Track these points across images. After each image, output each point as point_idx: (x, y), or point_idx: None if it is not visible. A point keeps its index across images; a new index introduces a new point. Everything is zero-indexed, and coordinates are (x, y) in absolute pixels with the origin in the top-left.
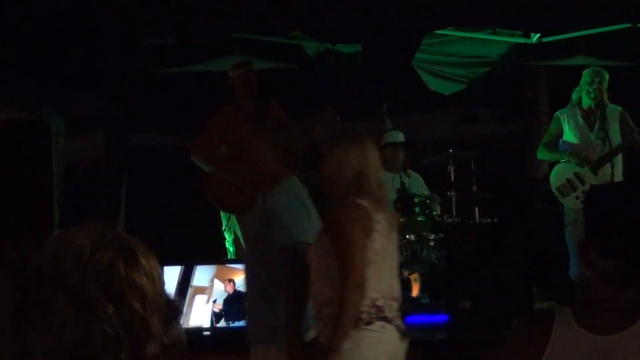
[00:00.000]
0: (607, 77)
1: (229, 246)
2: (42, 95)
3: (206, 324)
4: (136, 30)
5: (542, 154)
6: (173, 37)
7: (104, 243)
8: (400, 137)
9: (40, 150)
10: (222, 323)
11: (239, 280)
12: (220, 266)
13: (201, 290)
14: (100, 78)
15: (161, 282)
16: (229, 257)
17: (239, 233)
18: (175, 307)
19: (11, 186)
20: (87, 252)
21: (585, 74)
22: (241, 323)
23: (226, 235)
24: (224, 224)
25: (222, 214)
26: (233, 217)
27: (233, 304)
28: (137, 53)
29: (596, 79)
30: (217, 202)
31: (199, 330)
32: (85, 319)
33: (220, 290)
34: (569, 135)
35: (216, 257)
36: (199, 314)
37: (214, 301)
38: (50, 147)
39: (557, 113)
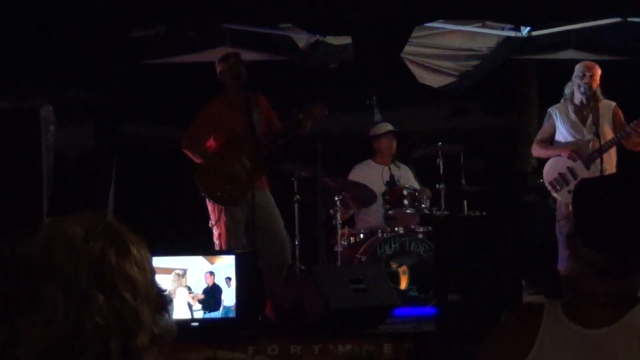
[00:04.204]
0: (599, 71)
1: (215, 240)
2: (33, 85)
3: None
4: (126, 21)
5: (536, 151)
6: (163, 27)
7: (96, 232)
8: (389, 127)
9: (30, 140)
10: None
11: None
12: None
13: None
14: (91, 68)
15: (152, 272)
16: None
17: (228, 226)
18: (165, 297)
19: (0, 175)
20: (79, 241)
21: (577, 68)
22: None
23: (213, 229)
24: (211, 217)
25: (208, 208)
26: (221, 211)
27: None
28: (127, 43)
29: (587, 73)
30: (208, 194)
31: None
32: (76, 308)
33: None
34: (562, 131)
35: (204, 248)
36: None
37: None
38: (40, 136)
39: (550, 109)
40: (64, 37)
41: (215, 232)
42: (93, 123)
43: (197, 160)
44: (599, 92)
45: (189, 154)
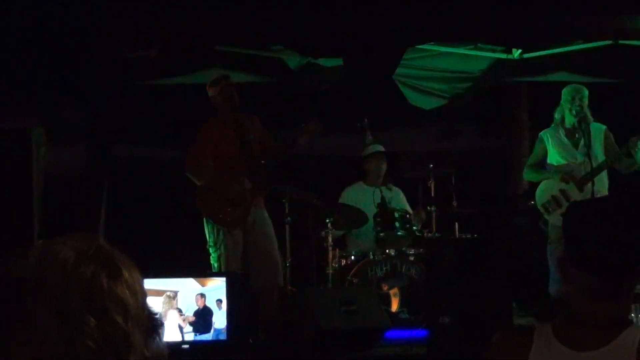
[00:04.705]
0: (587, 93)
1: (214, 262)
2: (24, 106)
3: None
4: (119, 43)
5: (529, 175)
6: (156, 49)
7: (87, 255)
8: (381, 148)
9: (21, 160)
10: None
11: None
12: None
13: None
14: (82, 89)
15: (143, 295)
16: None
17: (229, 248)
18: (156, 320)
19: None
20: (70, 264)
21: (565, 92)
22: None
23: (211, 251)
24: (210, 239)
25: (206, 230)
26: (221, 233)
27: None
28: (120, 65)
29: (577, 96)
30: (211, 217)
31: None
32: (68, 331)
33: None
34: (554, 155)
35: (198, 270)
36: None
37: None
38: (31, 157)
39: (541, 133)
40: (56, 58)
41: (215, 254)
42: (84, 144)
43: (199, 182)
44: (589, 114)
45: (192, 177)
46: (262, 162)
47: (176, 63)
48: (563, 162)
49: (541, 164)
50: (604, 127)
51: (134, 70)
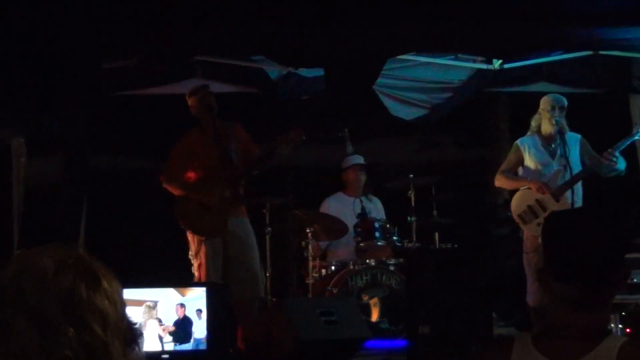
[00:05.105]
0: (566, 103)
1: (194, 271)
2: (3, 117)
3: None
4: (98, 53)
5: (500, 182)
6: (135, 60)
7: (67, 265)
8: (360, 159)
9: (0, 171)
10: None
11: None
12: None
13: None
14: (61, 100)
15: (122, 305)
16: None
17: (209, 257)
18: (135, 330)
19: None
20: (50, 273)
21: (545, 101)
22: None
23: (192, 260)
24: (192, 248)
25: (189, 239)
26: (202, 242)
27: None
28: (98, 75)
29: (557, 106)
30: (189, 226)
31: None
32: (46, 341)
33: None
34: (530, 164)
35: (178, 280)
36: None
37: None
38: (10, 168)
39: (518, 141)
40: (35, 68)
41: (195, 263)
42: (64, 155)
43: (178, 193)
44: (565, 124)
45: (170, 187)
46: (242, 171)
47: (155, 73)
48: (540, 170)
49: (513, 172)
50: (579, 136)
51: (113, 80)
